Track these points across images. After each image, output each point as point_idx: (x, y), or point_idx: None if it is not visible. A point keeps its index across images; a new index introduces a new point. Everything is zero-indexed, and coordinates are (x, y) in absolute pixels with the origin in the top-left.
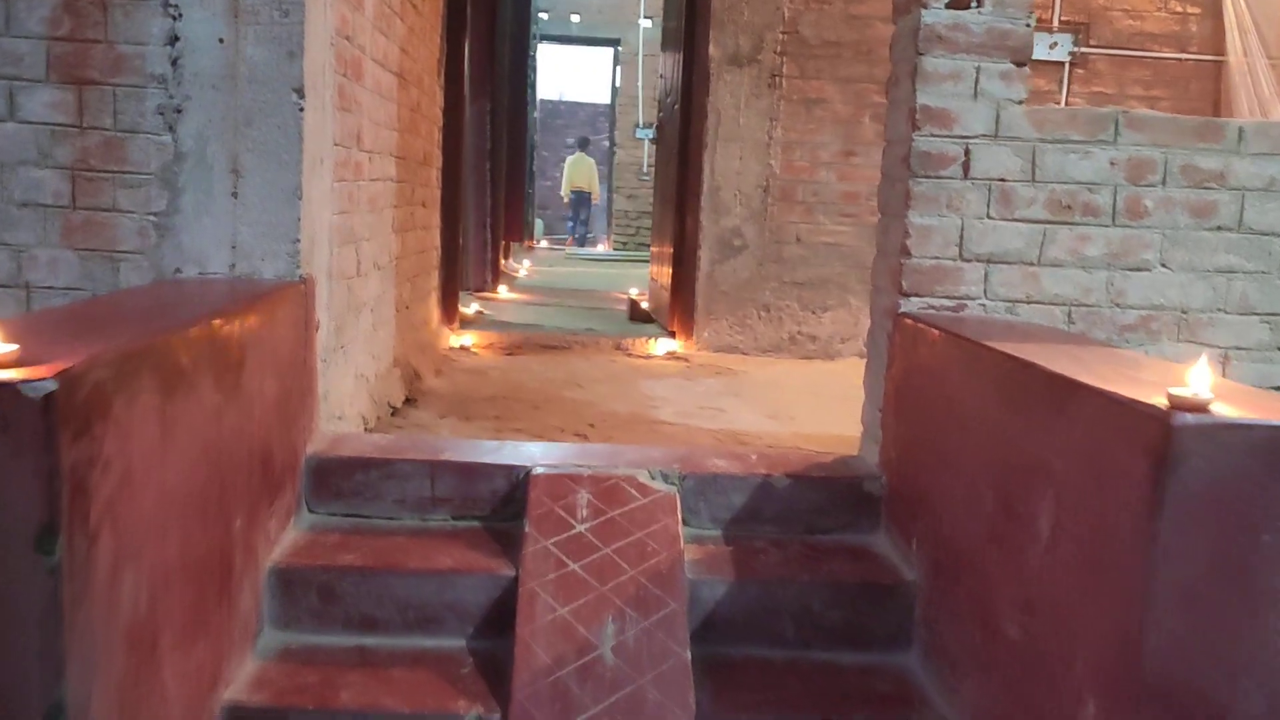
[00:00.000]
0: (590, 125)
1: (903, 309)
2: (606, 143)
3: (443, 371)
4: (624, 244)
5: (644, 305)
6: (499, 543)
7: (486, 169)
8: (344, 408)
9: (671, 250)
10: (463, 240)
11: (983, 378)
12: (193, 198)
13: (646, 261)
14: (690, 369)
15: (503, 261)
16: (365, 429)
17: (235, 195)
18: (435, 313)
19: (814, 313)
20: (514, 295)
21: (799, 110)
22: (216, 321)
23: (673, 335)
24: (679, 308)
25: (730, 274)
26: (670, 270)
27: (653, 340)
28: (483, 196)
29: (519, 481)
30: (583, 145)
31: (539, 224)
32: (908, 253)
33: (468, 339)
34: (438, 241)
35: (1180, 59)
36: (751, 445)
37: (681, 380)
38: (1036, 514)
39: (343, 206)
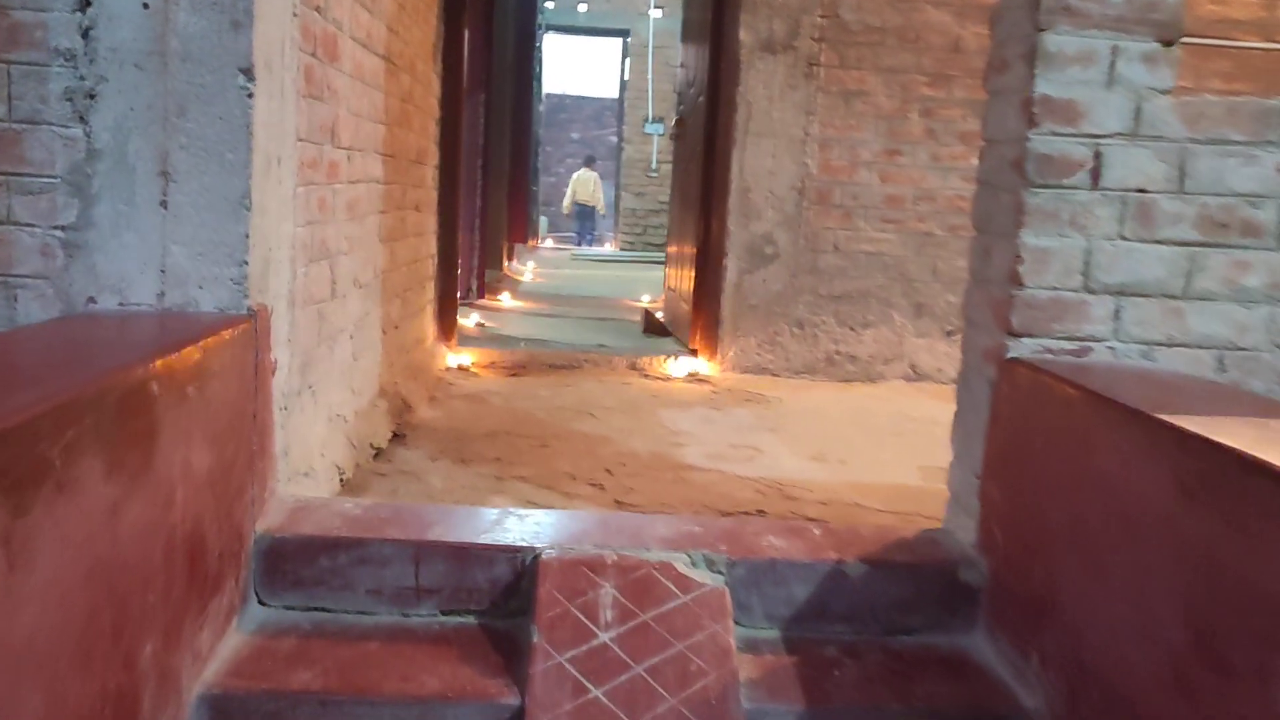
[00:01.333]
0: (596, 120)
1: (1012, 352)
2: (613, 138)
3: (438, 398)
4: (631, 244)
5: (659, 316)
6: (500, 652)
7: (478, 168)
8: (312, 460)
9: (693, 257)
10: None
11: (1161, 465)
12: (110, 207)
13: (655, 263)
14: (716, 395)
15: (505, 265)
16: (340, 481)
17: (164, 204)
18: (430, 329)
19: (853, 330)
20: (518, 303)
21: (838, 103)
22: (114, 381)
23: (694, 353)
24: (701, 322)
25: (760, 285)
26: (691, 279)
27: (671, 359)
28: (472, 199)
29: (525, 568)
30: (589, 163)
31: (543, 221)
32: (1019, 281)
33: (467, 358)
34: (434, 249)
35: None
36: (801, 500)
37: (707, 410)
38: (1269, 672)
39: (311, 216)
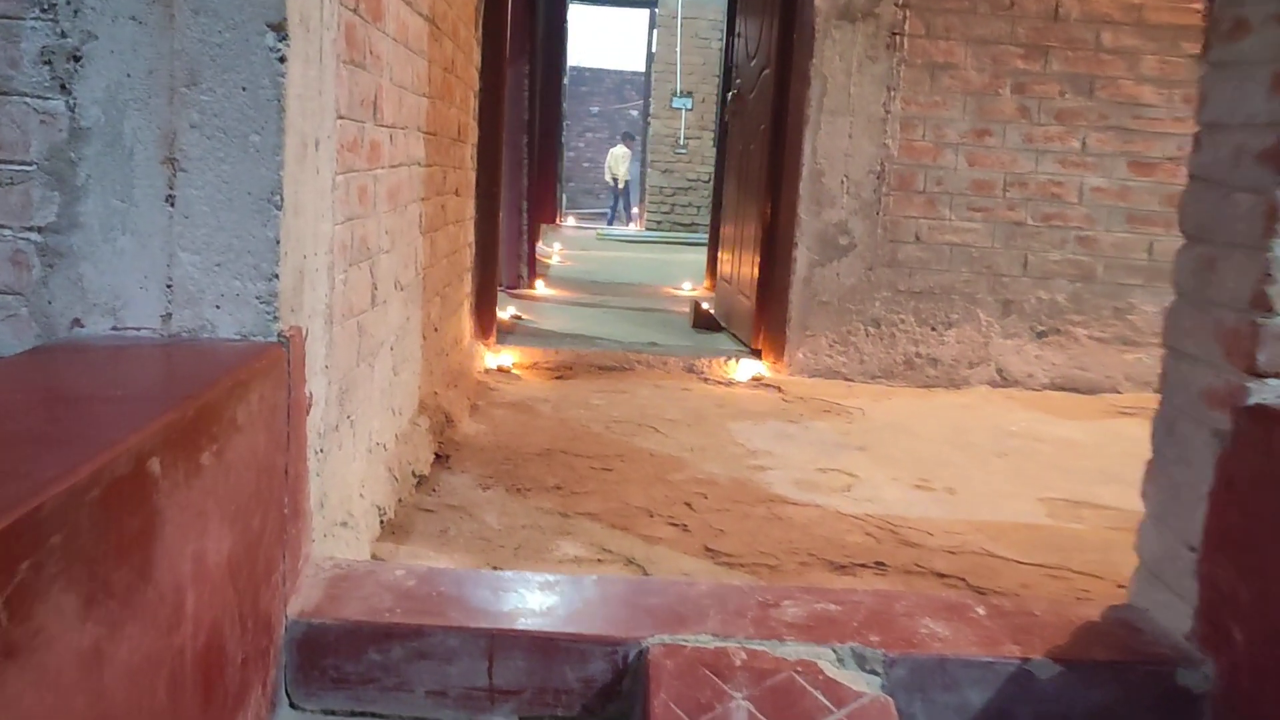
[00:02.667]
0: (616, 93)
1: (1254, 396)
2: (634, 112)
3: (480, 408)
4: (658, 223)
5: (709, 308)
6: None
7: (523, 145)
8: (351, 504)
9: (755, 247)
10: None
11: None
12: (101, 203)
13: (685, 244)
14: (787, 403)
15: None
16: (381, 522)
17: (171, 200)
18: (468, 327)
19: (934, 329)
20: (550, 291)
21: (922, 77)
22: (97, 469)
23: (757, 354)
24: (766, 320)
25: (833, 280)
26: (753, 272)
27: (733, 361)
28: (518, 178)
29: (628, 665)
30: (626, 139)
31: (563, 198)
32: (1266, 306)
33: (507, 358)
34: (472, 237)
35: None
36: (922, 547)
37: (782, 423)
38: None
39: (351, 210)
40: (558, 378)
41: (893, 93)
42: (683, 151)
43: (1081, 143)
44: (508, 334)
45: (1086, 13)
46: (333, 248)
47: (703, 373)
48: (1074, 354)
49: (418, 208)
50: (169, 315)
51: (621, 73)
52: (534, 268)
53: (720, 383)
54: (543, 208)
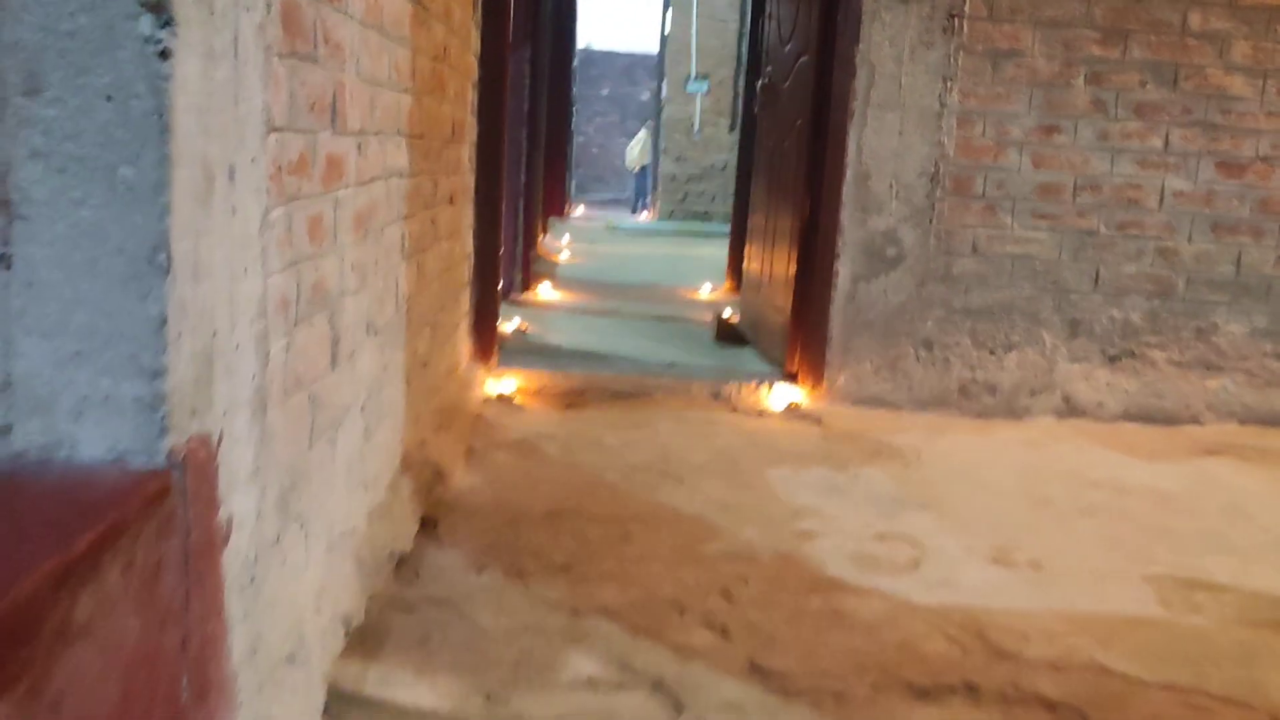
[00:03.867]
0: (627, 76)
1: None
2: (645, 95)
3: (477, 450)
4: (671, 212)
5: (733, 318)
6: None
7: (522, 140)
8: (302, 629)
9: (790, 257)
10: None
11: None
12: None
13: (700, 236)
14: (830, 441)
15: (540, 239)
16: (346, 634)
17: (5, 262)
18: (465, 350)
19: (992, 353)
20: (558, 295)
21: (983, 66)
22: None
23: (792, 378)
24: (803, 341)
25: (879, 297)
26: (787, 284)
27: (765, 387)
28: (515, 176)
29: None
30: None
31: (573, 187)
32: None
33: (510, 382)
34: (470, 248)
35: None
36: (1019, 659)
37: (827, 469)
38: None
39: (298, 251)
40: (567, 406)
41: (949, 84)
42: (697, 139)
43: (1163, 140)
44: (513, 351)
45: None
46: (266, 309)
47: (731, 401)
48: (1150, 380)
49: (399, 228)
50: (7, 428)
51: (633, 55)
52: (530, 272)
53: (751, 413)
54: (551, 201)
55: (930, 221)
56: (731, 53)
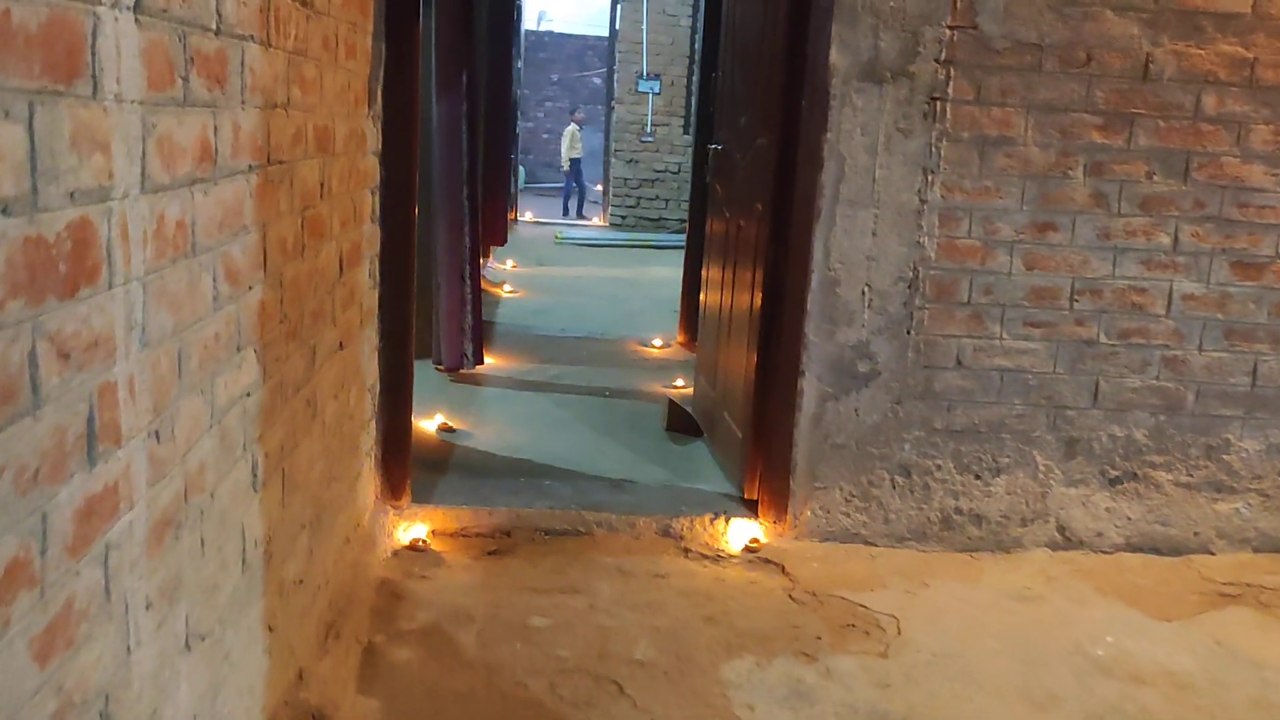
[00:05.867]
0: (577, 60)
1: None
2: (597, 80)
3: (376, 648)
4: (623, 218)
5: (684, 405)
6: None
7: (464, 197)
8: None
9: (749, 369)
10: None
11: None
12: None
13: (654, 249)
14: (797, 606)
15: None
16: None
17: None
18: (370, 493)
19: (979, 477)
20: (495, 363)
21: (969, 156)
22: None
23: (752, 507)
24: (764, 464)
25: (850, 417)
26: (745, 394)
27: (721, 521)
28: (459, 237)
29: None
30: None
31: (520, 171)
32: None
33: (421, 528)
34: (376, 374)
35: None
36: None
37: (794, 660)
38: None
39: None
40: (491, 553)
41: (931, 177)
42: (649, 139)
43: (1172, 238)
44: (433, 467)
45: (1184, 70)
46: None
47: (683, 540)
48: (1154, 505)
49: (246, 464)
50: None
51: (584, 38)
52: (481, 344)
53: (707, 556)
54: (493, 232)
55: (908, 333)
56: (684, 50)
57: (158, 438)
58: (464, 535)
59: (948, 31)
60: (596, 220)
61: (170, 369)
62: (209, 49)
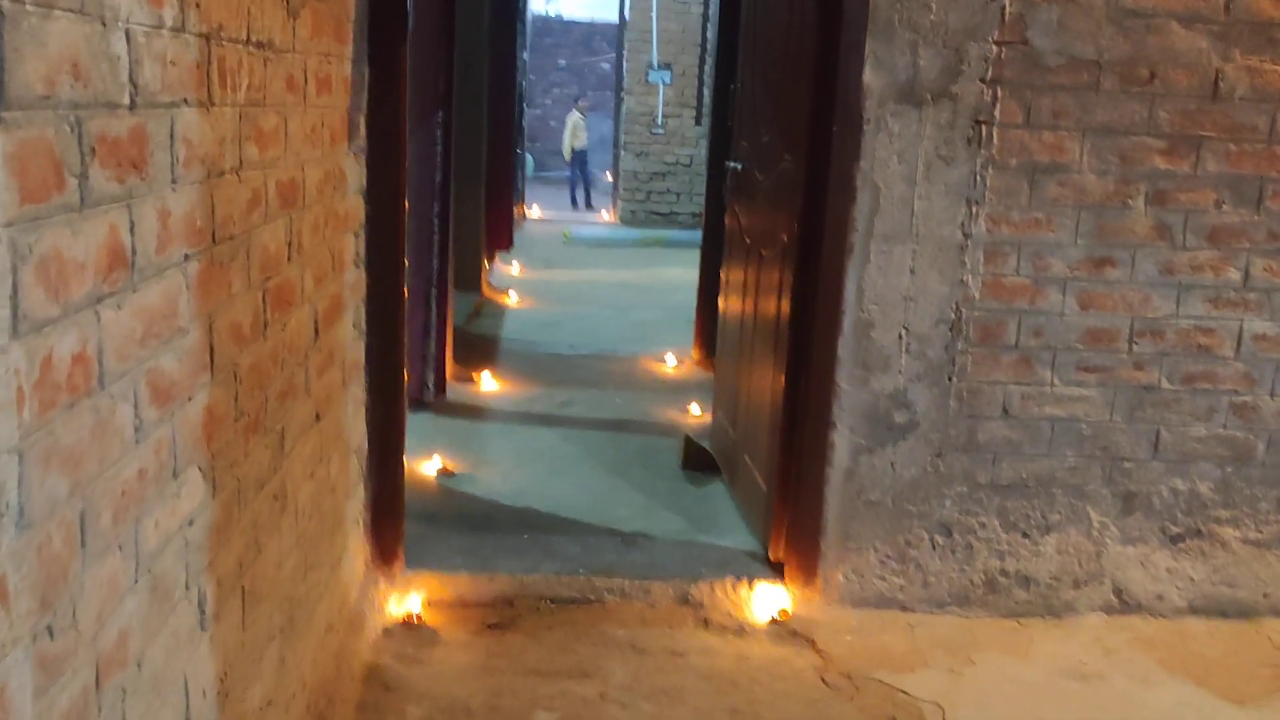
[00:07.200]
0: (585, 45)
1: None
2: (605, 65)
3: None
4: (633, 213)
5: (703, 441)
6: None
7: (434, 214)
8: None
9: (773, 417)
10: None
11: None
12: None
13: (663, 246)
14: (831, 687)
15: (485, 282)
16: None
17: None
18: (360, 562)
19: (1026, 536)
20: (496, 388)
21: (1018, 185)
22: None
23: (778, 570)
24: (791, 522)
25: (886, 472)
26: (769, 446)
27: (744, 586)
28: (426, 259)
29: None
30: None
31: (529, 160)
32: None
33: (415, 599)
34: (363, 433)
35: None
36: None
37: None
38: None
39: None
40: (492, 626)
41: (975, 208)
42: (660, 132)
43: (1243, 273)
44: (430, 520)
45: (1258, 88)
46: None
47: (702, 606)
48: (1220, 564)
49: (189, 606)
50: None
51: (592, 23)
52: (444, 374)
53: (729, 629)
54: (496, 237)
55: (950, 379)
56: (695, 39)
57: (50, 634)
58: (463, 605)
59: (995, 47)
60: (605, 214)
61: (67, 542)
62: (118, 131)
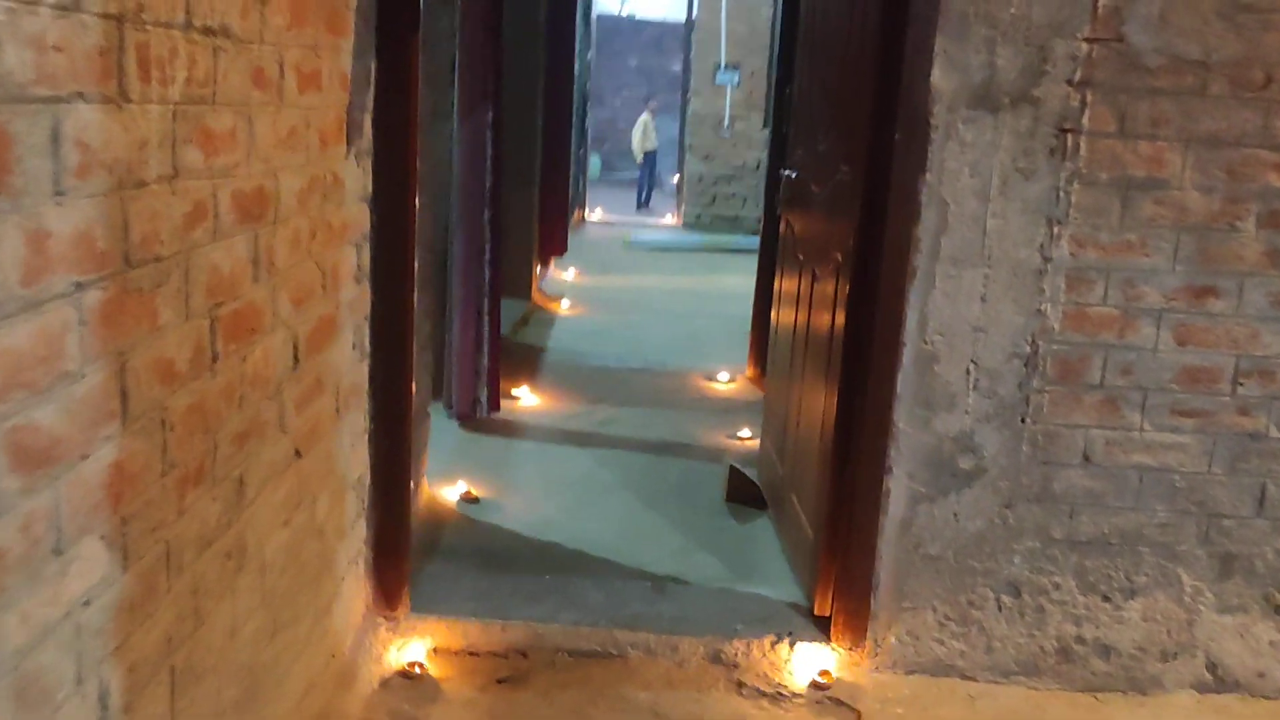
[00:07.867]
0: (655, 46)
1: None
2: (676, 66)
3: None
4: (697, 217)
5: (748, 472)
6: None
7: (485, 220)
8: None
9: (823, 459)
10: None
11: None
12: None
13: (726, 252)
14: None
15: (536, 289)
16: None
17: None
18: (354, 605)
19: (1107, 599)
20: (540, 400)
21: (1108, 203)
22: None
23: (823, 626)
24: (839, 576)
25: (948, 523)
26: (818, 487)
27: (784, 644)
28: (476, 237)
29: None
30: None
31: (595, 163)
32: None
33: (419, 646)
34: (366, 462)
35: None
36: None
37: None
38: None
39: None
40: (502, 681)
41: (1057, 228)
42: (727, 135)
43: None
44: (447, 553)
45: None
46: None
47: (736, 666)
48: None
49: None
50: None
51: (662, 23)
52: (498, 390)
53: (765, 694)
54: (549, 243)
55: (1023, 421)
56: (764, 41)
57: None
58: (472, 654)
59: (1084, 45)
60: (670, 218)
61: None
62: None
